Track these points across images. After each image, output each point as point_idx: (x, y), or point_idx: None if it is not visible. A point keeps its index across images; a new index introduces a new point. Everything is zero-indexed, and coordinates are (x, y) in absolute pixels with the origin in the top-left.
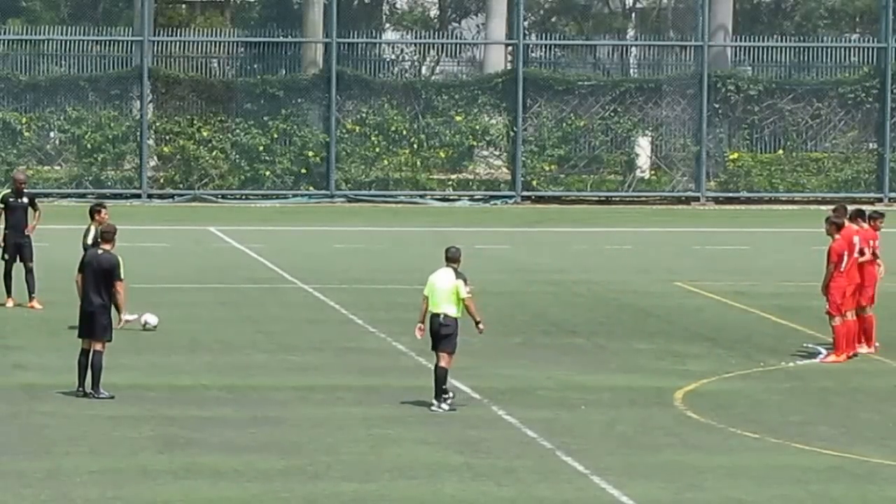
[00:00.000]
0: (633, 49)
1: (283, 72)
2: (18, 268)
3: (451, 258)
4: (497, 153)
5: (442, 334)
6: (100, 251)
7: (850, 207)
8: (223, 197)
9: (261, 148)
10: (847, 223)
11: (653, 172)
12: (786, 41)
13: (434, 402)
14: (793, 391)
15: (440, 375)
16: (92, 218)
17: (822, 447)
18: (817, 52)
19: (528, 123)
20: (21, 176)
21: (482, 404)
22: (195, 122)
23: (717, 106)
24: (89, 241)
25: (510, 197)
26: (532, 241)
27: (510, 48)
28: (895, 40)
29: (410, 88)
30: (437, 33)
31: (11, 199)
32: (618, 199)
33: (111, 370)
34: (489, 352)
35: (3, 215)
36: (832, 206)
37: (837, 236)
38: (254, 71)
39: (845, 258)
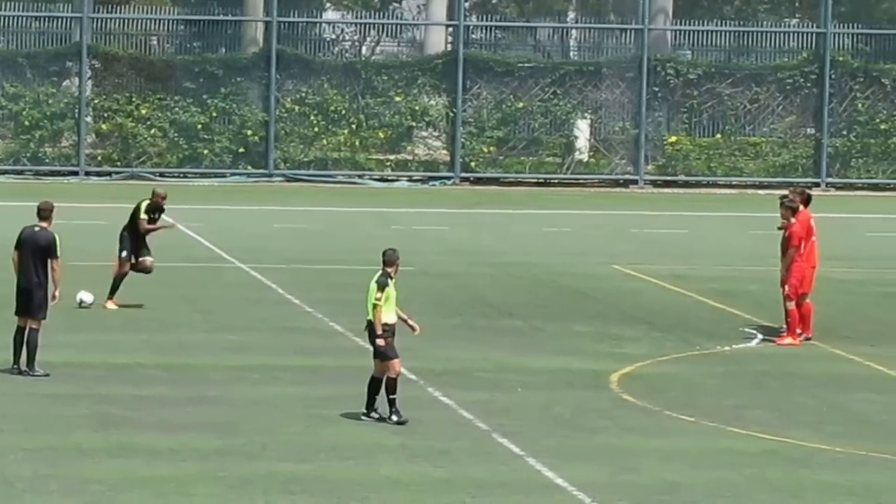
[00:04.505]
0: (574, 31)
1: (223, 50)
2: None
3: (385, 261)
4: (436, 134)
5: (371, 342)
6: (37, 228)
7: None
8: (161, 175)
9: (199, 126)
10: (802, 207)
11: (591, 155)
12: (725, 25)
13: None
14: (729, 375)
15: (389, 386)
16: None
17: (758, 431)
18: (757, 37)
19: (468, 105)
20: None
21: (418, 385)
22: (134, 99)
23: (656, 89)
24: None
25: (449, 178)
26: (471, 223)
27: (451, 29)
28: (834, 26)
29: (350, 68)
30: (377, 13)
31: None
32: (556, 181)
33: (47, 348)
34: (426, 333)
35: None
36: (768, 191)
37: (794, 220)
38: (194, 49)
39: (803, 242)
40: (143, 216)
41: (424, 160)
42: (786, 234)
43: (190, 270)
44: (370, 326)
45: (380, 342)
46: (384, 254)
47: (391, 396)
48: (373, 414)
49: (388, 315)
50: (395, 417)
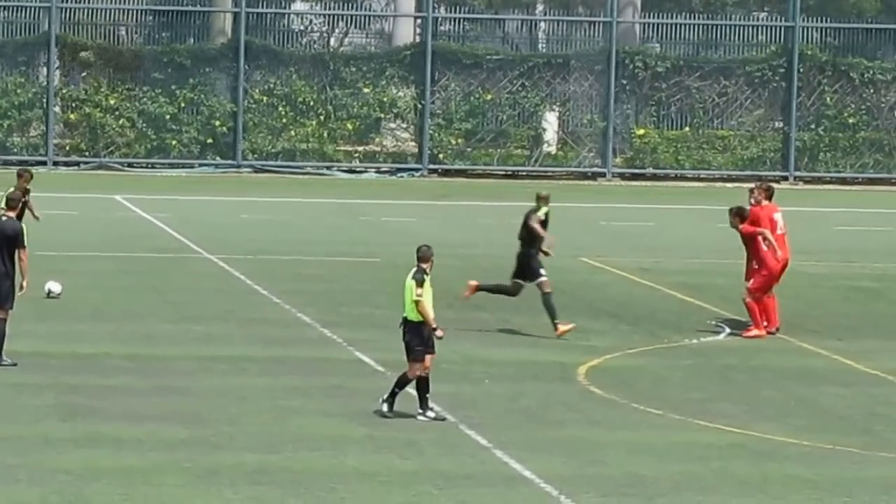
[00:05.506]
0: (542, 24)
1: (192, 41)
2: None
3: (419, 257)
4: (404, 126)
5: (404, 340)
6: (4, 218)
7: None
8: (129, 165)
9: (168, 117)
10: (766, 202)
11: (559, 148)
12: (694, 19)
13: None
14: (696, 368)
15: (400, 381)
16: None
17: (724, 424)
18: (725, 31)
19: (436, 97)
20: None
21: (386, 377)
22: (102, 89)
23: (624, 82)
24: None
25: (417, 170)
26: (438, 215)
27: (419, 21)
28: (803, 20)
29: (319, 60)
30: (346, 5)
31: None
32: (524, 173)
33: (14, 337)
34: (393, 325)
35: None
36: (736, 184)
37: (741, 225)
38: (162, 39)
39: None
40: (538, 218)
41: (392, 152)
42: (743, 238)
43: (157, 261)
44: (406, 324)
45: (438, 333)
46: (419, 250)
47: (425, 394)
48: (429, 413)
49: (429, 309)
50: (430, 413)
